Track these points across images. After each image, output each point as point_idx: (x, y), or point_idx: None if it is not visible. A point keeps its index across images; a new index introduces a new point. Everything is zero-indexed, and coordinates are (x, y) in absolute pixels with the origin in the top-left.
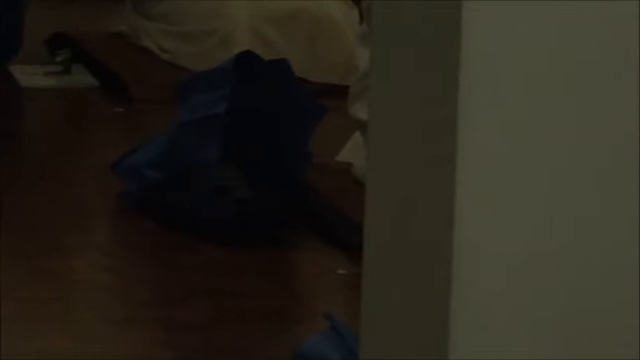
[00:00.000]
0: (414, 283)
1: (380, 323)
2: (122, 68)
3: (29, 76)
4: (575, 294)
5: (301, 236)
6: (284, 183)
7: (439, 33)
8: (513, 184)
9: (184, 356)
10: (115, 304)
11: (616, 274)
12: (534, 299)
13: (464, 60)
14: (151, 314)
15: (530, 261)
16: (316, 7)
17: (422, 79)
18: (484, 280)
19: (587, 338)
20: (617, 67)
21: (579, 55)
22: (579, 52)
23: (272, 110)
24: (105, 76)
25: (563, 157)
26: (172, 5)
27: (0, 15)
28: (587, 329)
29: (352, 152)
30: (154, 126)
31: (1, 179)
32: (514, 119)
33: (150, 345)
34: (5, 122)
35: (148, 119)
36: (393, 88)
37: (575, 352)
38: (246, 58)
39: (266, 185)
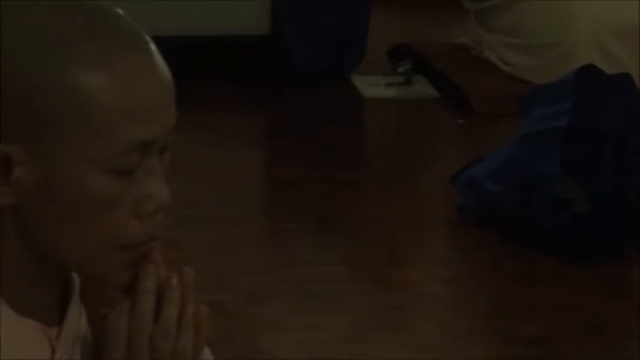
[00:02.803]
0: None
1: None
2: (463, 80)
3: (371, 86)
4: None
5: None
6: (623, 197)
7: None
8: None
9: None
10: (454, 315)
11: None
12: None
13: None
14: (490, 327)
15: None
16: None
17: None
18: None
19: None
20: None
21: None
22: None
23: (613, 124)
24: (446, 87)
25: None
26: (515, 17)
27: (344, 27)
28: None
29: None
30: (494, 138)
31: (343, 189)
32: None
33: (489, 358)
34: (347, 132)
35: (488, 131)
36: None
37: None
38: (589, 71)
39: (605, 200)
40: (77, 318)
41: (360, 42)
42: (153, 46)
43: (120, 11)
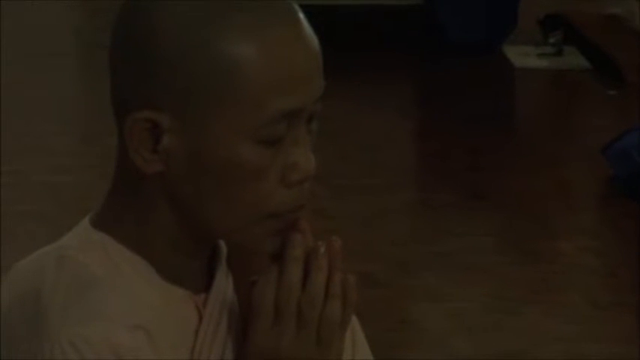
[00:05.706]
0: None
1: None
2: (615, 51)
3: (522, 56)
4: None
5: None
6: None
7: None
8: None
9: None
10: (601, 287)
11: None
12: None
13: None
14: (638, 299)
15: None
16: None
17: None
18: None
19: None
20: None
21: None
22: None
23: None
24: (597, 58)
25: None
26: None
27: None
28: None
29: None
30: None
31: (493, 160)
32: None
33: (636, 329)
34: (498, 103)
35: None
36: None
37: None
38: None
39: None
40: (224, 285)
41: (512, 12)
42: (301, 15)
43: None
